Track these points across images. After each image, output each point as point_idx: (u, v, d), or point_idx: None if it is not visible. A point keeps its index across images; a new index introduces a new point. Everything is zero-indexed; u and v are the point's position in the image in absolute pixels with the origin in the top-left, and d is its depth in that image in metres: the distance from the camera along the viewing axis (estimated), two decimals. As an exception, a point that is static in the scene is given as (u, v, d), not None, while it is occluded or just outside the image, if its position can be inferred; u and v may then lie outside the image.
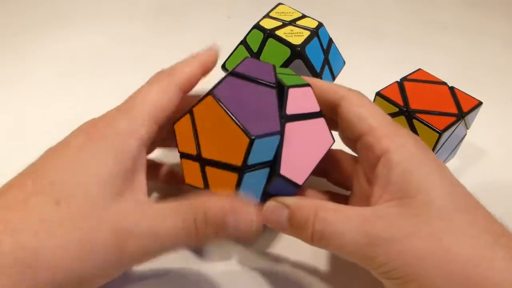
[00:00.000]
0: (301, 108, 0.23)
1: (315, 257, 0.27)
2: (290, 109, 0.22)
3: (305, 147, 0.23)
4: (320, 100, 0.24)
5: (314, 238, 0.21)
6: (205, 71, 0.25)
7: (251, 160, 0.20)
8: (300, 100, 0.23)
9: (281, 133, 0.21)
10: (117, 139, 0.21)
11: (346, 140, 0.25)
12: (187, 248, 0.26)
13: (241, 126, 0.20)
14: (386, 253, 0.19)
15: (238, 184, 0.21)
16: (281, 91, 0.22)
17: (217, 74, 0.34)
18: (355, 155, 0.26)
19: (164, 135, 0.24)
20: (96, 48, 0.45)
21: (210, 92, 0.21)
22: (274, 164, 0.22)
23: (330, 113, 0.24)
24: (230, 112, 0.20)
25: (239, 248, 0.27)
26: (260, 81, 0.22)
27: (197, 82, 0.25)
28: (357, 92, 0.24)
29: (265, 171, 0.22)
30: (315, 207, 0.21)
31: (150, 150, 0.27)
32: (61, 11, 0.50)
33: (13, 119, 0.36)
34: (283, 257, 0.27)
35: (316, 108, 0.23)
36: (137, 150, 0.21)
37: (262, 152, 0.21)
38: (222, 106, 0.21)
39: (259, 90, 0.22)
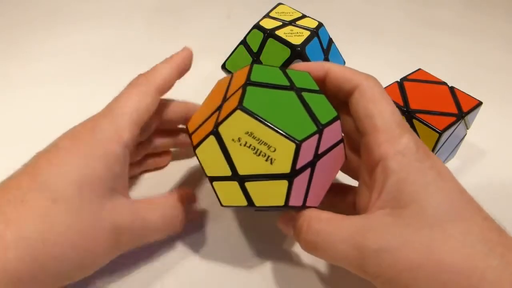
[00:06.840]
0: (329, 142, 0.22)
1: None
2: (321, 148, 0.22)
3: (324, 174, 0.22)
4: (334, 88, 0.24)
5: (307, 248, 0.22)
6: (181, 72, 0.27)
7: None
8: (329, 136, 0.22)
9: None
10: (102, 145, 0.22)
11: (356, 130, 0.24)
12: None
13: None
14: (377, 265, 0.19)
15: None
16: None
17: (217, 74, 0.34)
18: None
19: (145, 137, 0.28)
20: (95, 47, 0.45)
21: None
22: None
23: (346, 99, 0.24)
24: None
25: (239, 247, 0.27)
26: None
27: (173, 84, 0.26)
28: (372, 82, 0.23)
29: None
30: (308, 217, 0.21)
31: (135, 169, 0.30)
32: (61, 11, 0.51)
33: (13, 118, 0.36)
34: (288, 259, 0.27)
35: (339, 137, 0.23)
36: (122, 154, 0.23)
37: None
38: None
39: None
